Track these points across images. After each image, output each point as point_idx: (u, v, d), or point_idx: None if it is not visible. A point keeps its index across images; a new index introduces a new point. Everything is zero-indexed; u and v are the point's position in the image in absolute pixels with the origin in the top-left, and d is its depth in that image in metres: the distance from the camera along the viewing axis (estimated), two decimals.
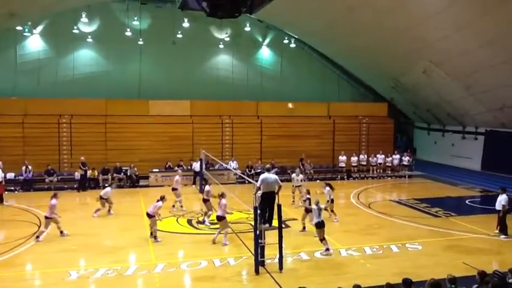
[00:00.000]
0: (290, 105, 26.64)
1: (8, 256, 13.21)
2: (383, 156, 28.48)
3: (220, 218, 14.48)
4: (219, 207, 14.55)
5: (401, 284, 8.29)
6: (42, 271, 12.26)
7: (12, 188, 22.84)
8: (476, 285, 8.68)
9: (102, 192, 18.32)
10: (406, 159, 28.76)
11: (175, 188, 19.02)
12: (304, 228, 15.89)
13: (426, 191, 24.11)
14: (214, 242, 14.39)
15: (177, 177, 19.39)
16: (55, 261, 12.78)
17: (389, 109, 32.58)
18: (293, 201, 19.94)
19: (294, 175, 20.21)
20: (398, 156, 28.87)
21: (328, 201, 16.98)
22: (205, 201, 16.98)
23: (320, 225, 13.67)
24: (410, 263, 12.81)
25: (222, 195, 14.74)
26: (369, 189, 24.50)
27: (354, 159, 28.10)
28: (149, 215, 14.96)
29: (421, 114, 33.04)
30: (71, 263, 12.68)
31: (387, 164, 28.62)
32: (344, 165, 27.89)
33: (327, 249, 13.56)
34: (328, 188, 17.36)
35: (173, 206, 18.83)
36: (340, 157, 28.01)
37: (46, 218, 15.05)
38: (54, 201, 15.20)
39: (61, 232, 15.16)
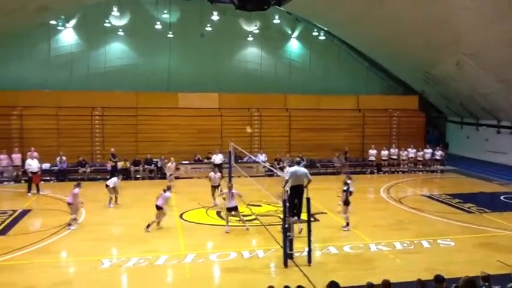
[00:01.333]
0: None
1: (44, 244, 13.62)
2: (414, 150, 27.98)
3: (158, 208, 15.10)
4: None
5: (432, 281, 8.16)
6: (76, 259, 12.61)
7: (48, 178, 23.46)
8: (511, 284, 8.44)
9: (109, 181, 18.50)
10: (438, 153, 28.19)
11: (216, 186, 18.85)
12: (347, 224, 15.31)
13: (459, 186, 23.59)
14: None
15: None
16: (88, 250, 13.12)
17: (420, 102, 31.92)
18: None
19: None
20: (430, 150, 28.30)
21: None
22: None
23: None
24: (442, 260, 12.57)
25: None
26: (400, 184, 24.15)
27: (384, 153, 27.70)
28: (159, 207, 15.08)
29: (454, 108, 32.26)
30: (103, 251, 13.00)
31: (418, 158, 28.10)
32: (374, 159, 27.54)
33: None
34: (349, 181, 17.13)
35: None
36: (370, 151, 27.67)
37: (68, 204, 15.55)
38: (77, 190, 15.66)
39: (69, 224, 15.18)
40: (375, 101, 30.87)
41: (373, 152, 27.52)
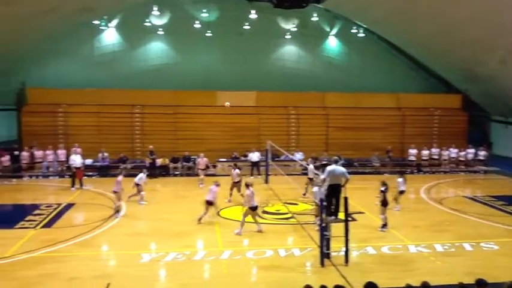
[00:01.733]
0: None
1: (87, 237, 14.06)
2: (456, 150, 27.18)
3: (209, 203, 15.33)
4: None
5: (474, 285, 7.92)
6: (117, 252, 12.97)
7: (90, 174, 24.19)
8: None
9: (136, 178, 18.43)
10: (481, 153, 27.29)
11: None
12: (385, 225, 15.08)
13: (503, 188, 22.77)
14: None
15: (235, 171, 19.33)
16: (128, 244, 13.46)
17: (463, 101, 30.93)
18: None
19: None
20: (473, 150, 27.43)
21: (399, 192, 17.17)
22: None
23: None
24: (485, 263, 12.18)
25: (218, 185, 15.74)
26: (441, 184, 23.53)
27: (425, 152, 27.06)
28: (209, 202, 15.32)
29: (498, 107, 31.07)
30: (143, 246, 13.29)
31: (460, 158, 27.29)
32: (414, 158, 26.95)
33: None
34: (400, 179, 17.28)
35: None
36: (410, 150, 27.09)
37: (114, 192, 16.47)
38: (120, 177, 16.72)
39: (116, 211, 16.07)
40: (416, 99, 30.17)
41: (413, 151, 26.94)
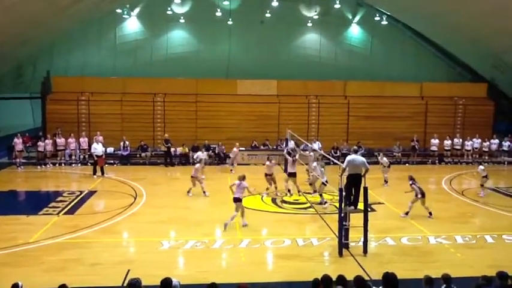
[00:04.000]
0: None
1: (108, 224, 14.34)
2: (479, 140, 26.61)
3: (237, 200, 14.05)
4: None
5: (495, 277, 7.81)
6: (137, 239, 13.20)
7: (112, 162, 24.52)
8: None
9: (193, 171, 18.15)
10: (506, 144, 26.65)
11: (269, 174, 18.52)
12: (407, 213, 15.31)
13: None
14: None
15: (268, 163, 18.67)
16: (149, 231, 13.66)
17: (489, 90, 30.16)
18: None
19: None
20: (497, 141, 26.81)
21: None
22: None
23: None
24: (507, 256, 11.97)
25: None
26: (463, 175, 23.13)
27: (448, 142, 26.52)
28: (237, 199, 14.04)
29: None
30: (163, 233, 13.49)
31: (484, 149, 26.71)
32: (436, 148, 26.46)
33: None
34: (481, 167, 18.46)
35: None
36: (432, 140, 26.59)
37: (192, 176, 17.47)
38: (198, 165, 17.83)
39: (204, 192, 17.55)
40: (440, 88, 29.55)
41: (435, 141, 26.46)
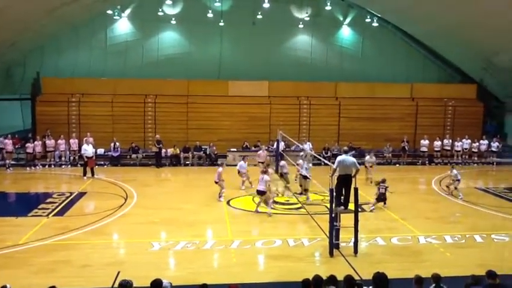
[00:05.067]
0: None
1: (98, 225, 14.24)
2: (469, 141, 26.84)
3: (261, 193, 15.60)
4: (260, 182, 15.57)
5: (485, 276, 7.89)
6: (128, 241, 13.15)
7: (102, 163, 24.39)
8: None
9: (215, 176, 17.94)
10: (494, 145, 26.90)
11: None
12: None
13: None
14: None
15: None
16: (139, 232, 13.60)
17: (478, 91, 30.46)
18: None
19: None
20: (486, 141, 27.06)
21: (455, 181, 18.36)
22: (281, 175, 18.05)
23: None
24: (496, 255, 12.10)
25: (265, 172, 15.86)
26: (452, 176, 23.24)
27: (437, 143, 26.73)
28: (260, 192, 15.59)
29: None
30: (153, 234, 13.45)
31: (473, 149, 26.94)
32: (426, 149, 26.62)
33: None
34: (455, 171, 18.46)
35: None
36: (422, 141, 26.75)
37: (216, 182, 17.48)
38: (220, 169, 17.65)
39: (219, 196, 17.33)
40: (430, 89, 29.78)
41: (425, 142, 26.62)
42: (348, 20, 31.58)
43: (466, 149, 26.88)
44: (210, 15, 28.97)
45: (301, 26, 30.85)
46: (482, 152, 27.08)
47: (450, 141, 27.07)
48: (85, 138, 22.50)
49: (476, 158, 26.98)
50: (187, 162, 25.27)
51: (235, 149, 25.86)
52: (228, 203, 17.11)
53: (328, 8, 29.33)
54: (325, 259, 11.82)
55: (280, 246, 12.61)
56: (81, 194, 18.09)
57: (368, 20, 30.70)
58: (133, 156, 25.14)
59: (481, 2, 22.17)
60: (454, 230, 14.15)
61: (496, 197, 18.74)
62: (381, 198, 16.15)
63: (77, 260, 11.31)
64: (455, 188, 18.47)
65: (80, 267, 10.88)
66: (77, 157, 24.21)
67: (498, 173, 24.62)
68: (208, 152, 25.48)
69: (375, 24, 30.76)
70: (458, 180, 18.37)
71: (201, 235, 13.46)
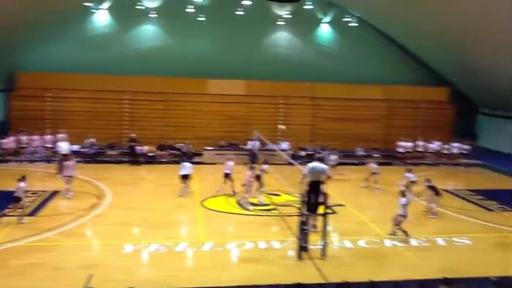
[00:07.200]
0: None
1: (72, 226, 14.31)
2: (440, 143, 27.58)
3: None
4: None
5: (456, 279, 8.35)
6: (101, 242, 13.31)
7: (77, 160, 24.17)
8: None
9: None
10: (465, 147, 27.71)
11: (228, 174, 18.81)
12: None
13: (483, 182, 23.24)
14: None
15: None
16: (113, 234, 13.74)
17: (451, 94, 31.23)
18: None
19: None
20: (456, 144, 27.82)
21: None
22: (258, 177, 17.96)
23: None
24: (456, 259, 12.68)
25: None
26: (422, 177, 23.85)
27: (409, 145, 27.35)
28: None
29: (486, 100, 31.50)
30: (126, 236, 13.61)
31: (445, 151, 27.68)
32: (403, 150, 27.17)
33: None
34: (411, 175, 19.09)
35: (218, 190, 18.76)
36: (398, 142, 27.31)
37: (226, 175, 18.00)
38: (231, 162, 18.24)
39: (234, 192, 18.04)
40: (403, 91, 30.38)
41: (401, 143, 27.23)
42: (327, 18, 31.76)
43: (436, 150, 27.59)
44: (190, 9, 28.92)
45: (281, 23, 30.93)
46: (453, 154, 27.79)
47: (423, 143, 27.70)
48: (60, 135, 22.32)
49: (445, 160, 27.67)
50: (162, 160, 25.31)
51: (211, 148, 26.03)
52: (201, 203, 17.31)
53: (308, 6, 29.58)
54: (294, 262, 12.18)
55: (251, 249, 12.93)
56: (55, 193, 17.90)
57: (347, 19, 31.02)
58: (109, 153, 25.05)
59: (456, 5, 22.79)
60: (420, 232, 14.59)
61: (461, 200, 19.35)
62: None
63: (49, 262, 11.42)
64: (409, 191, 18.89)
65: (52, 270, 11.02)
66: (51, 154, 23.99)
67: (466, 175, 25.21)
68: (183, 150, 25.56)
69: (354, 24, 31.09)
70: (413, 182, 19.01)
71: (173, 237, 13.67)
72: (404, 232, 13.82)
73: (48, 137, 24.20)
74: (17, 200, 14.56)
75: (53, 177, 20.61)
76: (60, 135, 22.30)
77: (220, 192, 18.50)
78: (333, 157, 22.01)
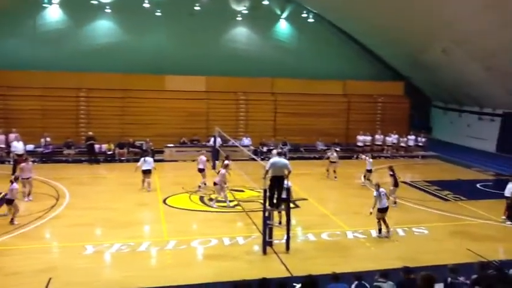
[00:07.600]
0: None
1: (29, 228, 13.82)
2: (397, 136, 28.37)
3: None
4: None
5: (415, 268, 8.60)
6: (60, 244, 12.90)
7: (32, 160, 23.31)
8: (475, 276, 8.86)
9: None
10: (421, 139, 28.64)
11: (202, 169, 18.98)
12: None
13: (438, 173, 24.06)
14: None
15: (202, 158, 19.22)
16: (72, 235, 13.35)
17: (406, 88, 32.17)
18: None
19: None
20: (413, 137, 28.71)
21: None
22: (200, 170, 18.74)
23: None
24: (415, 248, 13.07)
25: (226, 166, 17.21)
26: (380, 170, 24.48)
27: (368, 138, 27.99)
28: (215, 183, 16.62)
29: (439, 94, 32.66)
30: (87, 237, 13.24)
31: (402, 144, 28.49)
32: (362, 144, 27.73)
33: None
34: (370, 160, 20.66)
35: (199, 186, 18.76)
36: (358, 137, 27.89)
37: (214, 183, 17.02)
38: (223, 171, 17.09)
39: (199, 186, 18.25)
40: (361, 86, 30.99)
41: (360, 137, 27.80)
42: (285, 14, 31.94)
43: (394, 143, 28.37)
44: (146, 4, 28.39)
45: (239, 18, 30.89)
46: (410, 147, 28.65)
47: (381, 136, 28.38)
48: (13, 135, 21.49)
49: (403, 152, 28.48)
50: (122, 159, 24.81)
51: (172, 145, 25.73)
52: (164, 201, 17.11)
53: (266, 2, 29.65)
54: (258, 257, 12.24)
55: (216, 246, 12.89)
56: None
57: (304, 15, 31.33)
58: (65, 152, 24.34)
59: (408, 3, 23.43)
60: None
61: (419, 191, 19.99)
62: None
63: (5, 267, 11.00)
64: (364, 176, 20.70)
65: (8, 275, 10.61)
66: (4, 154, 23.06)
67: (422, 167, 26.08)
68: (144, 148, 25.15)
69: (311, 20, 31.45)
70: (369, 170, 20.57)
71: (136, 236, 13.43)
72: (379, 230, 14.04)
73: (1, 137, 23.19)
74: (9, 202, 14.19)
75: (7, 179, 19.77)
76: (12, 135, 21.37)
77: (203, 188, 18.55)
78: (335, 154, 22.00)
